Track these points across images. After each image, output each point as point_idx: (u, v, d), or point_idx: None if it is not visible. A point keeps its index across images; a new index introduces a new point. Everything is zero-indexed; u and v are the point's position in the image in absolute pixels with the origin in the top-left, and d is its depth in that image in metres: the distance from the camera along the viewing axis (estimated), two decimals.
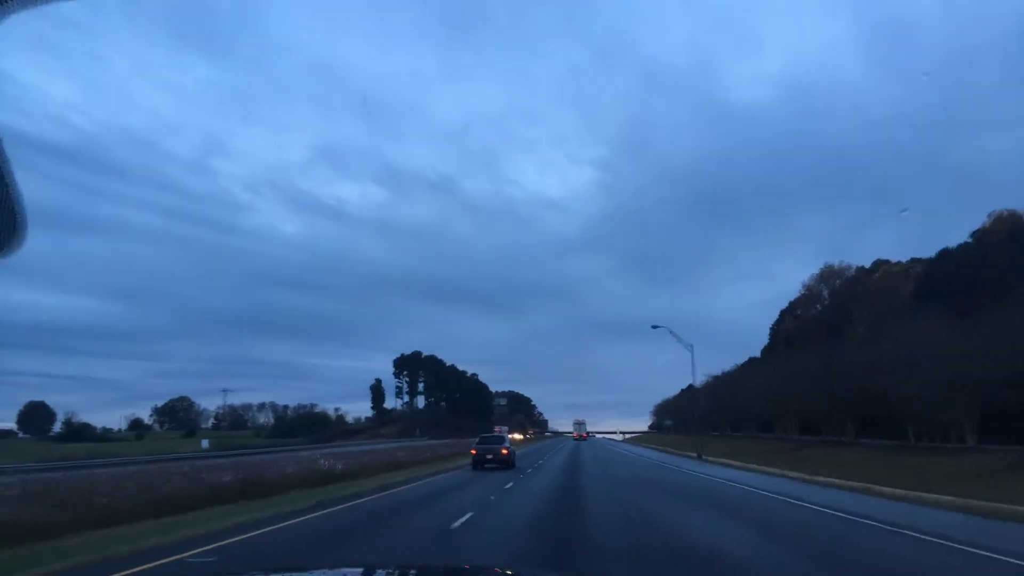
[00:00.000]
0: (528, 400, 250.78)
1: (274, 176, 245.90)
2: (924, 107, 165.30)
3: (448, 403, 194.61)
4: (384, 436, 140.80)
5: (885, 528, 13.00)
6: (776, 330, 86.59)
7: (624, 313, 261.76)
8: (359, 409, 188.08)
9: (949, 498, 17.75)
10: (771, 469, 32.17)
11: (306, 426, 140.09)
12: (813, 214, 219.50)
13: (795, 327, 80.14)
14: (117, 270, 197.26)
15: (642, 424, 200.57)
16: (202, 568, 9.14)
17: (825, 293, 78.38)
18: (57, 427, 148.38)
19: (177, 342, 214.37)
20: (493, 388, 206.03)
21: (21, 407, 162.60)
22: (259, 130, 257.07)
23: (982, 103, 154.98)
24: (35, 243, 2.01)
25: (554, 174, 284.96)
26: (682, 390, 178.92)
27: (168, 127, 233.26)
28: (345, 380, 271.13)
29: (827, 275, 78.39)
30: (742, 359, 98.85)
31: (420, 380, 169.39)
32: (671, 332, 42.62)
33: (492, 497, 19.08)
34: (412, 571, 3.32)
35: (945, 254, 54.70)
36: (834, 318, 71.68)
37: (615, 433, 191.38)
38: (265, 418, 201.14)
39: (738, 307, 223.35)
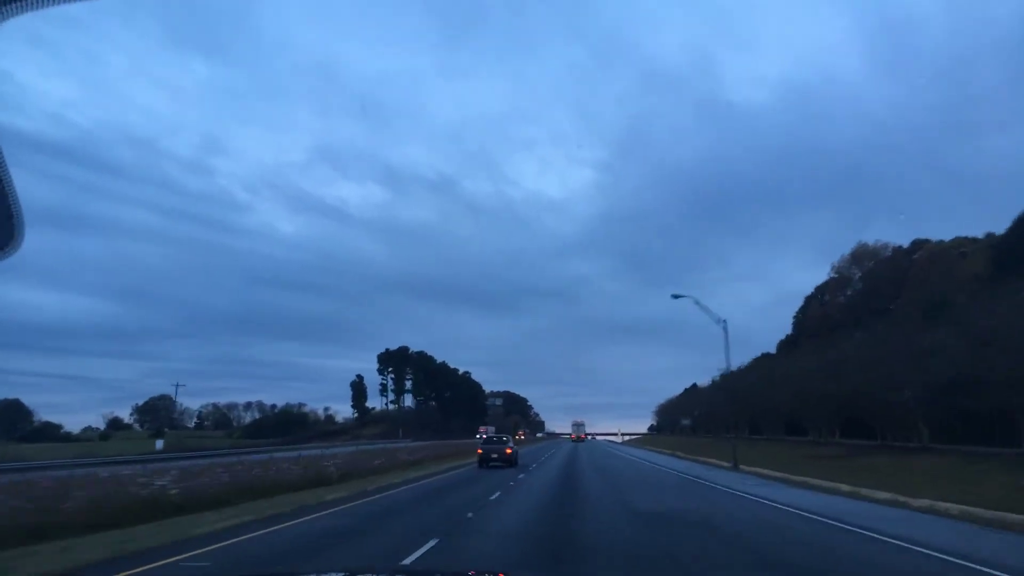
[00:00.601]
0: (524, 400, 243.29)
1: (273, 176, 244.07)
2: (924, 108, 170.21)
3: (438, 403, 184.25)
4: (366, 437, 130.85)
5: None
6: (801, 319, 76.64)
7: (623, 314, 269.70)
8: (349, 410, 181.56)
9: None
10: (848, 487, 22.29)
11: (283, 426, 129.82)
12: (812, 215, 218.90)
13: (821, 315, 70.36)
14: (114, 269, 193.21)
15: (641, 426, 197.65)
16: None
17: (857, 276, 68.60)
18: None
19: (174, 342, 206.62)
20: (491, 389, 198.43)
21: None
22: (258, 130, 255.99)
23: (982, 104, 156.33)
24: (31, 242, 2.00)
25: (553, 174, 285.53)
26: (686, 389, 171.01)
27: (166, 126, 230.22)
28: (340, 380, 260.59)
29: (860, 255, 68.64)
30: (745, 360, 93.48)
31: (408, 378, 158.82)
32: (697, 303, 32.97)
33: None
34: None
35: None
36: (872, 301, 61.90)
37: (616, 435, 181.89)
38: (252, 418, 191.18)
39: (738, 308, 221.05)
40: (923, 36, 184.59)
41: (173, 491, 14.83)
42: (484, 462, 37.00)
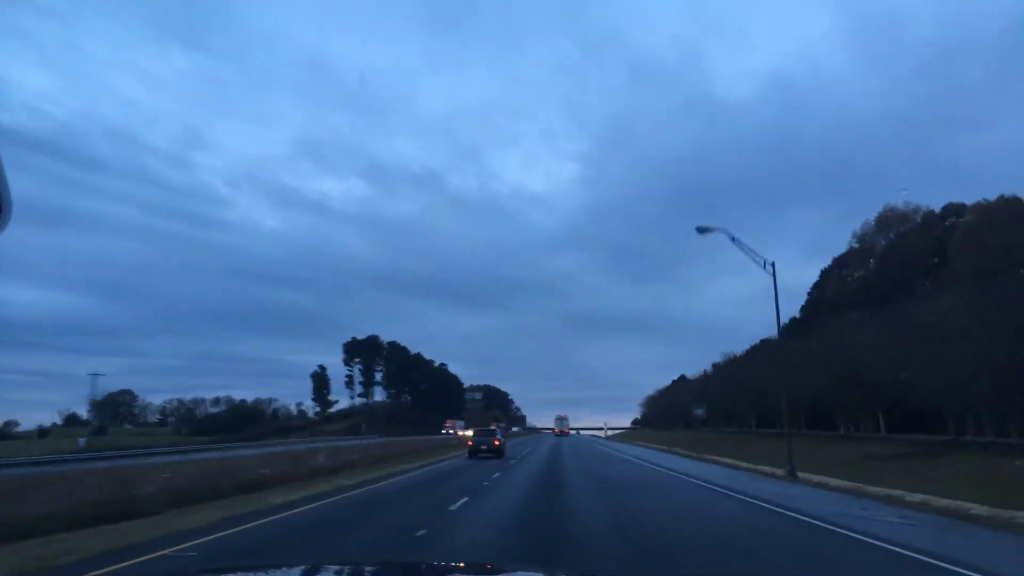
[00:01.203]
0: (505, 394, 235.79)
1: (256, 169, 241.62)
2: (909, 102, 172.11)
3: (413, 397, 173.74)
4: (330, 434, 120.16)
5: None
6: (815, 296, 67.51)
7: (607, 309, 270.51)
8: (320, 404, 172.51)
9: None
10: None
11: (236, 422, 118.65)
12: (798, 209, 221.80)
13: (838, 290, 61.36)
14: (92, 264, 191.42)
15: (625, 420, 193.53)
16: None
17: (882, 244, 59.60)
18: None
19: (153, 338, 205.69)
20: (474, 384, 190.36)
21: None
22: (240, 122, 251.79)
23: (967, 98, 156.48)
24: (8, 236, 1.95)
25: (539, 168, 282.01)
26: (674, 381, 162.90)
27: (147, 118, 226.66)
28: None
29: (888, 221, 59.60)
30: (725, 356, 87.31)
31: (378, 370, 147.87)
32: (733, 239, 23.08)
33: None
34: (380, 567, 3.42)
35: None
36: (905, 272, 52.95)
37: (602, 429, 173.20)
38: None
39: (723, 303, 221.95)
40: (907, 30, 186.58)
41: None
42: (474, 453, 40.53)
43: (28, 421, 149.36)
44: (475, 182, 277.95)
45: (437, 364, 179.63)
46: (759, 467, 27.41)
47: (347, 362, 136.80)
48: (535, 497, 17.81)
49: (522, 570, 4.61)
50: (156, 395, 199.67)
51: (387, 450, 45.79)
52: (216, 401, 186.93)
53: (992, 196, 48.23)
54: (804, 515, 14.23)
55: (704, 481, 21.89)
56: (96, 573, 8.40)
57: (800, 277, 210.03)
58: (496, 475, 23.82)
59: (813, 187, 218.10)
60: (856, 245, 61.39)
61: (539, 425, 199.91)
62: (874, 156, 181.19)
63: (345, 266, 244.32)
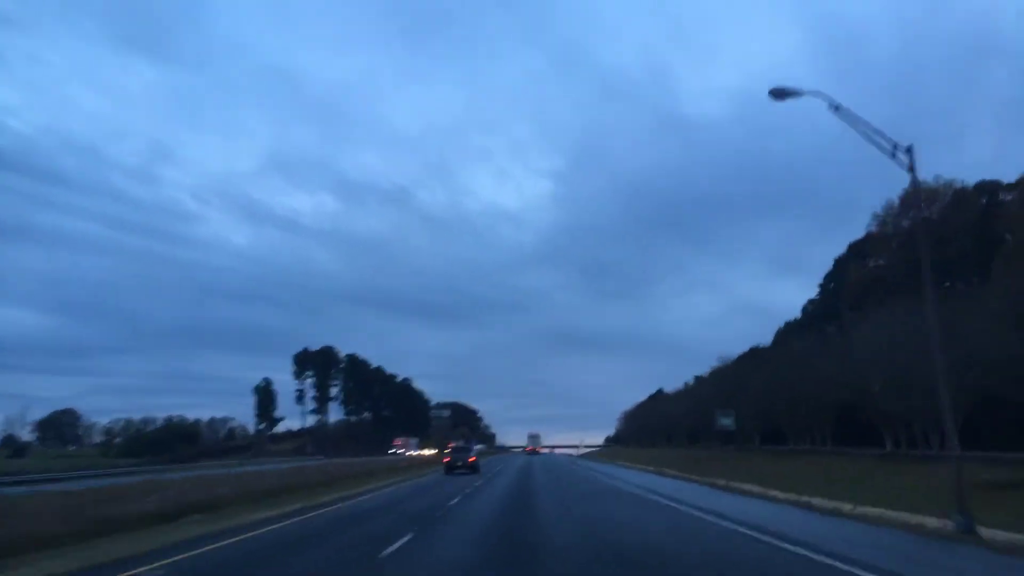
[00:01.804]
0: (474, 412, 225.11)
1: (223, 185, 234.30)
2: (874, 121, 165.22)
3: (373, 413, 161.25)
4: (275, 454, 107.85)
5: None
6: (830, 288, 58.31)
7: (579, 326, 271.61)
8: (285, 424, 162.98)
9: None
10: None
11: (166, 442, 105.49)
12: (767, 227, 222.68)
13: (859, 279, 52.24)
14: (55, 281, 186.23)
15: (597, 438, 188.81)
16: None
17: (906, 225, 50.79)
18: None
19: (119, 356, 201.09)
20: (442, 401, 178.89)
21: None
22: (208, 137, 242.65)
23: (929, 118, 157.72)
24: None
25: (510, 185, 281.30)
26: (651, 396, 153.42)
27: (111, 132, 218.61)
28: (285, 393, 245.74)
29: (915, 199, 50.78)
30: (701, 371, 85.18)
31: (334, 384, 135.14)
32: (835, 107, 13.45)
33: None
34: None
35: None
36: (944, 253, 44.12)
37: (577, 447, 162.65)
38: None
39: (692, 321, 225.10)
40: (873, 51, 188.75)
41: None
42: (451, 469, 42.44)
43: None
44: (445, 198, 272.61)
45: (400, 379, 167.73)
46: (864, 509, 17.01)
47: (298, 375, 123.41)
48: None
49: None
50: (118, 415, 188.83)
51: (305, 477, 35.86)
52: (169, 421, 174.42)
53: None
54: None
55: (824, 554, 11.16)
56: None
57: (770, 290, 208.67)
58: (406, 540, 13.18)
59: (780, 204, 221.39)
60: (879, 228, 52.49)
61: (509, 444, 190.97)
62: (842, 174, 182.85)
63: (315, 283, 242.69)
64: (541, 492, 26.51)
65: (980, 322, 29.75)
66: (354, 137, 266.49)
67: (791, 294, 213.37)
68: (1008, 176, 49.94)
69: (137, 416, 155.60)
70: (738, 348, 78.85)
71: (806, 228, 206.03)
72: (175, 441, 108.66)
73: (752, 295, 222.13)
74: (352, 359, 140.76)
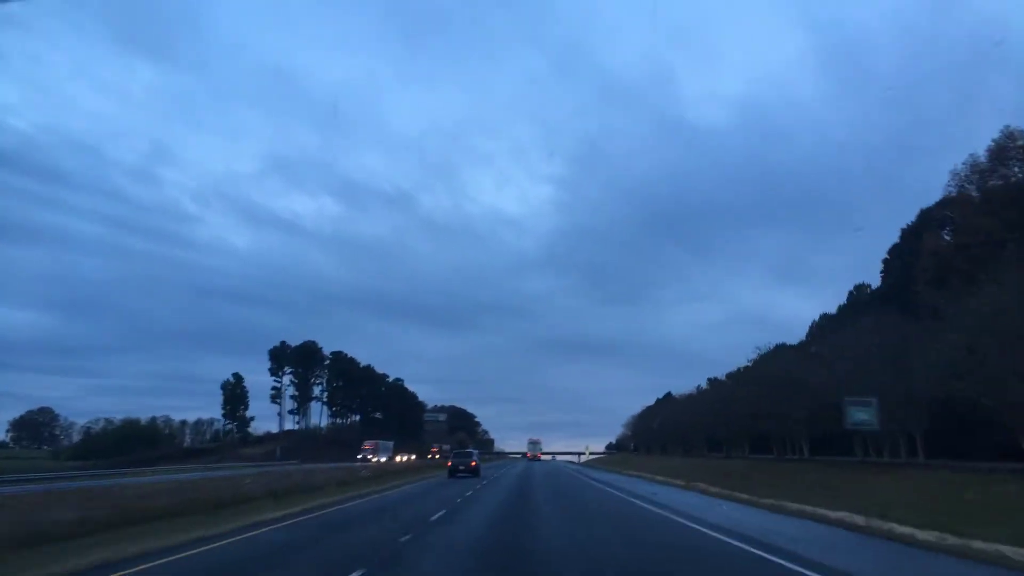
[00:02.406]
0: (472, 416, 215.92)
1: (224, 187, 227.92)
2: (878, 129, 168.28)
3: (362, 415, 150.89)
4: (246, 458, 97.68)
5: None
6: (896, 264, 48.01)
7: (580, 332, 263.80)
8: (265, 425, 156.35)
9: None
10: None
11: (124, 443, 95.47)
12: (770, 234, 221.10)
13: (937, 248, 42.03)
14: (55, 281, 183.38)
15: (598, 445, 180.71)
16: None
17: (1005, 179, 40.62)
18: None
19: (118, 357, 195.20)
20: (440, 405, 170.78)
21: None
22: (208, 137, 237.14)
23: (932, 127, 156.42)
24: None
25: (512, 189, 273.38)
26: (658, 400, 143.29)
27: (112, 132, 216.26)
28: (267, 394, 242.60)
29: (1007, 152, 40.76)
30: (701, 380, 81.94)
31: (316, 383, 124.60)
32: None
33: None
34: None
35: None
36: None
37: (581, 454, 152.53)
38: None
39: (695, 326, 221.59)
40: (877, 59, 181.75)
41: None
42: (454, 472, 44.72)
43: None
44: (448, 202, 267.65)
45: (392, 379, 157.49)
46: None
47: (274, 372, 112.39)
48: None
49: None
50: (99, 416, 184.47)
51: (218, 493, 25.83)
52: (152, 421, 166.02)
53: None
54: None
55: None
56: None
57: (771, 299, 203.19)
58: None
59: (783, 211, 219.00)
60: (960, 187, 42.32)
61: (508, 450, 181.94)
62: (844, 183, 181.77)
63: (316, 286, 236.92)
64: (541, 527, 16.33)
65: None
66: (355, 139, 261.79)
67: (796, 301, 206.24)
68: None
69: (119, 416, 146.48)
70: (740, 354, 71.50)
71: (811, 235, 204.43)
72: (134, 443, 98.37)
73: (756, 302, 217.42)
74: (337, 356, 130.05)
